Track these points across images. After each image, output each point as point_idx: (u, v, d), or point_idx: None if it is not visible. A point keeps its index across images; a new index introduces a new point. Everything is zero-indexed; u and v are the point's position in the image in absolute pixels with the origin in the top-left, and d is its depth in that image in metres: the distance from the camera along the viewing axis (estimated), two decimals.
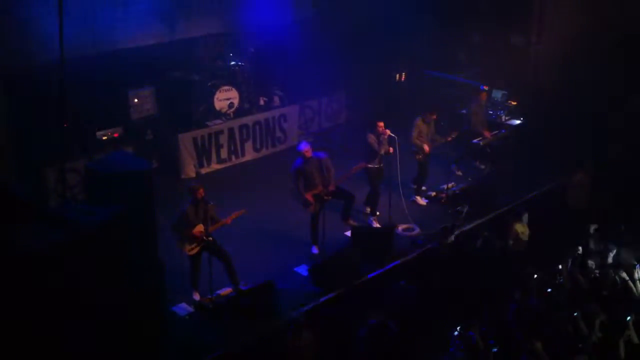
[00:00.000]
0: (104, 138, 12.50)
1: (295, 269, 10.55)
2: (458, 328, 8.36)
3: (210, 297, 9.46)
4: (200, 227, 9.46)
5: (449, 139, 12.56)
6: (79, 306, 7.17)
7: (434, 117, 12.38)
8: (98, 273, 7.35)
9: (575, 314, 8.16)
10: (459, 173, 13.48)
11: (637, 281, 8.99)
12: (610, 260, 10.03)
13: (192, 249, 9.53)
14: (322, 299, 9.83)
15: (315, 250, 10.96)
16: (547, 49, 14.92)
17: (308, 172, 10.69)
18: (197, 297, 9.68)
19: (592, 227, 10.61)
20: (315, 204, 10.70)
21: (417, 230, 11.60)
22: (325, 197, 10.78)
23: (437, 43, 15.62)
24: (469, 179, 13.22)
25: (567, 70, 13.68)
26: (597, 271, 9.59)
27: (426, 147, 12.20)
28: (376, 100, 15.13)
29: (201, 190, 9.44)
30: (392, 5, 15.05)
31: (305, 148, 10.78)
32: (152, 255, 8.51)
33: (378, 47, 15.47)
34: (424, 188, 12.70)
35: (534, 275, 9.29)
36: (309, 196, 10.69)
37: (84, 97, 11.71)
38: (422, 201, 12.53)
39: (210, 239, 9.56)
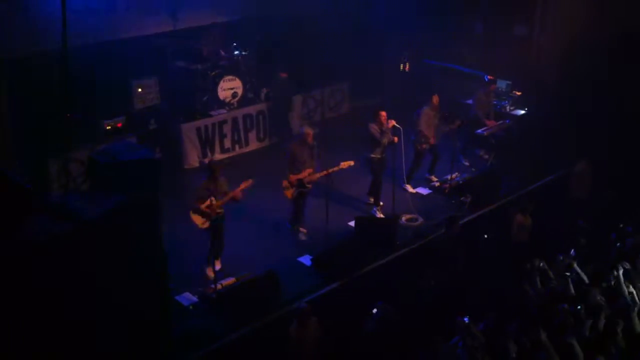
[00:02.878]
0: (108, 127, 12.49)
1: (298, 258, 10.56)
2: (461, 318, 8.37)
3: (213, 286, 9.47)
4: (212, 201, 9.64)
5: (454, 127, 12.51)
6: (82, 296, 7.18)
7: (437, 102, 12.38)
8: (101, 263, 7.36)
9: (579, 307, 8.15)
10: (466, 163, 13.46)
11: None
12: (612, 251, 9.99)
13: (204, 222, 9.72)
14: (325, 289, 9.84)
15: (302, 236, 11.00)
16: (550, 40, 14.86)
17: (299, 156, 10.67)
18: (210, 273, 9.86)
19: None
20: (294, 189, 10.70)
21: (421, 221, 11.60)
22: (308, 185, 10.77)
23: (441, 33, 15.55)
24: (473, 170, 13.22)
25: (570, 61, 13.62)
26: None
27: (432, 139, 12.17)
28: (380, 91, 15.09)
29: (220, 168, 9.77)
30: None
31: (308, 131, 10.78)
32: (155, 244, 8.51)
33: (381, 37, 15.42)
34: (434, 177, 12.74)
35: (538, 266, 9.28)
36: (292, 178, 10.67)
37: (87, 87, 11.69)
38: (412, 189, 12.51)
39: (220, 211, 9.75)
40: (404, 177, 12.24)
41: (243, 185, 9.88)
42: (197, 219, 9.74)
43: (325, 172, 10.65)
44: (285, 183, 10.77)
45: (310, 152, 10.81)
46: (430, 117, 12.33)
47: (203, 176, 9.96)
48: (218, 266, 9.99)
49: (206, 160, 13.29)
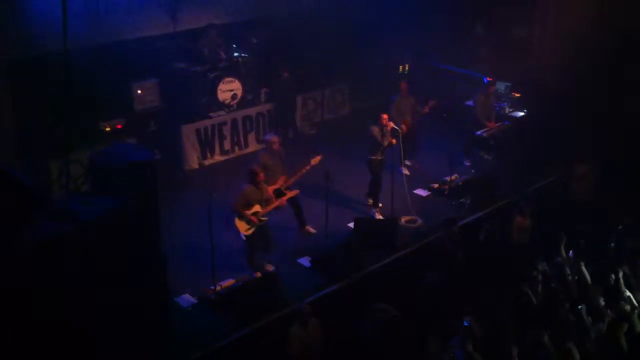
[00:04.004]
0: (107, 129, 12.50)
1: (298, 260, 10.57)
2: (461, 320, 8.38)
3: (213, 288, 9.48)
4: (257, 208, 9.69)
5: (428, 108, 12.84)
6: (81, 297, 7.19)
7: (405, 88, 12.73)
8: (100, 264, 7.37)
9: (579, 306, 8.16)
10: (468, 164, 13.47)
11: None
12: (610, 252, 10.00)
13: (249, 229, 9.75)
14: (325, 291, 9.85)
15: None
16: (550, 41, 14.86)
17: (270, 165, 10.57)
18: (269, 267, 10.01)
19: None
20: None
21: (420, 222, 11.61)
22: (286, 192, 10.51)
23: (441, 35, 15.57)
24: (472, 171, 13.23)
25: (571, 63, 13.63)
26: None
27: (403, 127, 12.15)
28: (380, 93, 15.11)
29: (262, 173, 9.75)
30: None
31: (273, 138, 10.74)
32: (155, 246, 8.53)
33: (381, 39, 15.44)
34: (408, 163, 12.86)
35: (538, 267, 9.29)
36: (269, 190, 10.46)
37: (88, 88, 11.70)
38: (406, 171, 12.65)
39: (265, 219, 9.82)
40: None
41: (290, 194, 10.06)
42: (242, 226, 9.73)
43: (298, 174, 10.63)
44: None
45: (280, 159, 10.75)
46: (401, 104, 12.63)
47: (244, 183, 9.86)
48: (269, 268, 10.05)
49: (206, 163, 13.38)
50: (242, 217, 9.70)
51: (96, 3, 12.19)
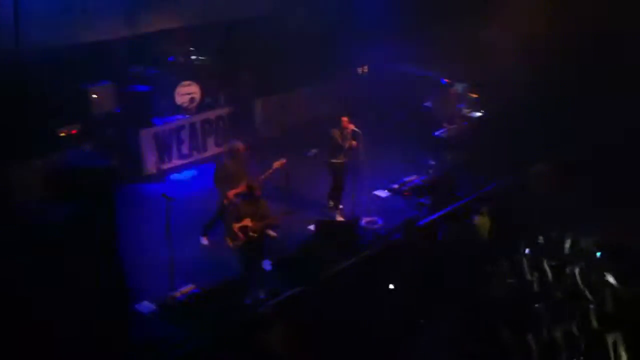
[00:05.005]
0: (63, 135, 12.26)
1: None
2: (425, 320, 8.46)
3: (172, 294, 9.36)
4: (247, 222, 9.41)
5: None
6: (38, 306, 7.05)
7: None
8: (57, 272, 7.24)
9: (537, 305, 8.27)
10: (433, 162, 13.51)
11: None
12: (567, 250, 10.16)
13: (235, 243, 9.50)
14: (287, 293, 9.82)
15: (203, 241, 10.90)
16: (508, 42, 15.05)
17: (233, 171, 10.52)
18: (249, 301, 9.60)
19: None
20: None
21: (380, 223, 11.65)
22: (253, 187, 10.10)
23: (400, 36, 15.66)
24: (431, 171, 13.32)
25: (531, 62, 13.83)
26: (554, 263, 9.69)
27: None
28: (339, 95, 15.13)
29: (259, 189, 9.53)
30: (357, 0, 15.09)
31: (238, 145, 10.69)
32: (112, 253, 8.39)
33: (341, 41, 15.46)
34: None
35: (499, 265, 9.41)
36: (230, 194, 10.42)
37: (42, 93, 11.48)
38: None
39: (256, 235, 9.50)
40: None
41: (283, 214, 9.87)
42: (230, 240, 9.52)
43: (262, 178, 10.57)
44: (226, 201, 10.47)
45: (243, 164, 10.69)
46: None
47: (242, 195, 9.71)
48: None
49: (164, 167, 13.22)
50: (231, 230, 9.43)
51: (50, 5, 11.95)
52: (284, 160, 10.79)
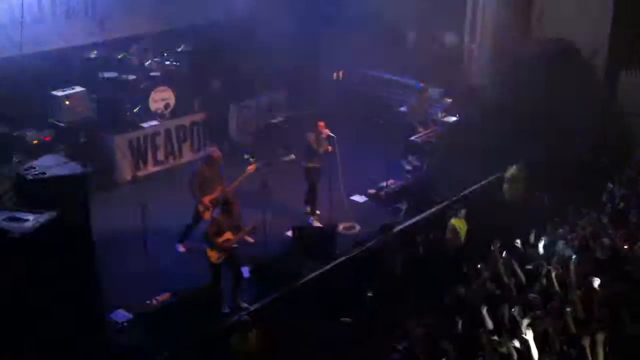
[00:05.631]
0: (35, 142, 12.09)
1: None
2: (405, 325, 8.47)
3: (148, 302, 9.26)
4: (228, 235, 9.36)
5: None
6: (11, 315, 6.94)
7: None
8: (30, 281, 7.12)
9: (513, 309, 8.30)
10: (409, 167, 13.54)
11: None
12: (541, 250, 10.22)
13: (220, 257, 9.39)
14: (265, 300, 9.76)
15: (179, 248, 10.85)
16: (480, 48, 15.20)
17: (208, 177, 10.54)
18: (226, 309, 9.55)
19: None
20: (212, 210, 10.41)
21: (358, 229, 11.65)
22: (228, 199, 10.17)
23: (374, 41, 15.71)
24: (408, 176, 13.36)
25: (502, 67, 13.96)
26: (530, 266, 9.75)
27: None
28: (314, 99, 15.12)
29: (235, 201, 9.54)
30: (330, 3, 15.07)
31: (216, 153, 10.68)
32: (87, 261, 8.28)
33: (316, 45, 15.47)
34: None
35: (475, 267, 9.44)
36: (206, 200, 10.49)
37: (14, 99, 11.33)
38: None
39: (235, 246, 9.51)
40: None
41: (257, 223, 9.89)
42: (213, 254, 9.38)
43: (236, 183, 10.62)
44: (202, 207, 10.52)
45: (219, 171, 10.70)
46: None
47: (217, 210, 9.69)
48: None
49: (139, 174, 13.09)
50: (214, 247, 9.36)
51: (21, 12, 11.80)
52: (255, 165, 10.83)
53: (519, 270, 9.20)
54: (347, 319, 9.52)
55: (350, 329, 8.80)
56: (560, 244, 9.95)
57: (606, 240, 9.60)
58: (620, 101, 14.38)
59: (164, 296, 9.53)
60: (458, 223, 11.27)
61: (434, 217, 12.09)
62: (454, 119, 14.45)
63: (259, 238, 10.76)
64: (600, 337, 7.18)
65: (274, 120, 15.21)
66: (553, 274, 8.80)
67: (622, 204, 11.38)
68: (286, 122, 15.02)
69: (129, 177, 13.03)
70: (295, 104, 15.77)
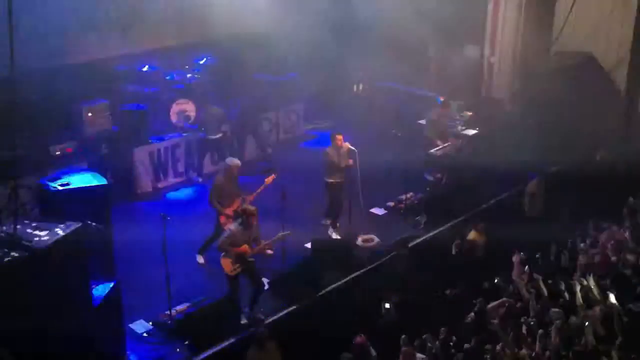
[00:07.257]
0: (57, 153, 12.24)
1: None
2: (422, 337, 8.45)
3: (168, 313, 9.31)
4: (245, 248, 9.30)
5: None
6: (33, 325, 6.99)
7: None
8: (52, 292, 7.19)
9: (531, 322, 8.25)
10: (431, 178, 13.47)
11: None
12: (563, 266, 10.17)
13: (235, 269, 9.34)
14: (283, 312, 9.77)
15: (199, 259, 10.86)
16: (501, 62, 15.20)
17: (226, 189, 10.55)
18: (244, 320, 9.51)
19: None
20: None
21: (377, 241, 11.63)
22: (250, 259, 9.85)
23: (395, 55, 15.75)
24: (427, 189, 13.33)
25: (522, 82, 13.94)
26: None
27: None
28: (334, 113, 15.17)
29: (254, 216, 9.36)
30: (350, 17, 15.13)
31: (236, 164, 10.69)
32: (108, 272, 8.36)
33: (336, 58, 15.52)
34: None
35: (495, 283, 9.41)
36: (228, 211, 10.47)
37: (37, 112, 11.47)
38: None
39: (252, 259, 9.45)
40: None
41: (277, 238, 9.75)
42: (227, 265, 9.33)
43: (255, 194, 10.62)
44: (223, 219, 10.50)
45: (236, 183, 10.71)
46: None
47: (238, 223, 9.53)
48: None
49: (160, 186, 13.19)
50: (228, 256, 9.31)
51: (44, 24, 11.97)
52: (274, 176, 10.83)
53: (542, 285, 9.16)
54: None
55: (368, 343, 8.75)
56: (582, 258, 9.86)
57: (631, 257, 9.55)
58: None
59: (183, 307, 9.60)
60: (477, 236, 11.23)
61: (453, 230, 12.04)
62: (474, 132, 14.41)
63: (277, 250, 10.78)
64: (618, 354, 7.14)
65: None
66: (578, 289, 8.75)
67: None
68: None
69: (149, 188, 13.14)
70: (314, 116, 15.82)
